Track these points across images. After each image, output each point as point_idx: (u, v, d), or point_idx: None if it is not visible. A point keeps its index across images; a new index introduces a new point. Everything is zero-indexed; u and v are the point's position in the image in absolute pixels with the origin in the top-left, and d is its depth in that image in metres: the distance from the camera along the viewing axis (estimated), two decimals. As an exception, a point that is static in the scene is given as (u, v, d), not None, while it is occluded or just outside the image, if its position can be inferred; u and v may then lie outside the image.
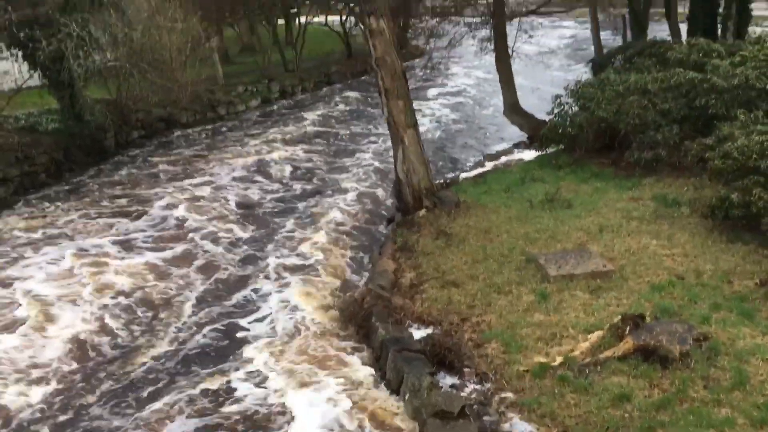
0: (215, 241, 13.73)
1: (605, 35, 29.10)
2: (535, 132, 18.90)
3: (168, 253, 13.06)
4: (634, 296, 9.12)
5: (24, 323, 10.22)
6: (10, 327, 10.15)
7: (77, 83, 18.87)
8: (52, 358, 9.34)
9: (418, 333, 9.02)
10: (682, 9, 26.89)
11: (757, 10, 26.14)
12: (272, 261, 12.60)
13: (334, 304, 10.79)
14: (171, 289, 11.60)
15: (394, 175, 14.68)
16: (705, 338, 7.78)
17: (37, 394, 8.61)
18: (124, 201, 16.36)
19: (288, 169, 19.08)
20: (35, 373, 9.02)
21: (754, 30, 22.94)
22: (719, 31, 23.60)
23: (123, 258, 12.77)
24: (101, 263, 12.46)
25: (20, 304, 10.85)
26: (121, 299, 11.07)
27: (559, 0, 22.28)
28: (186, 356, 9.49)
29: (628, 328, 7.88)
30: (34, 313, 10.53)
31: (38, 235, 14.19)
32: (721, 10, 23.99)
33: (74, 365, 9.27)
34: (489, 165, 18.69)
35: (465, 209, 13.45)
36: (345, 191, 16.71)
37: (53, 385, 8.82)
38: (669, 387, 7.16)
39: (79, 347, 9.65)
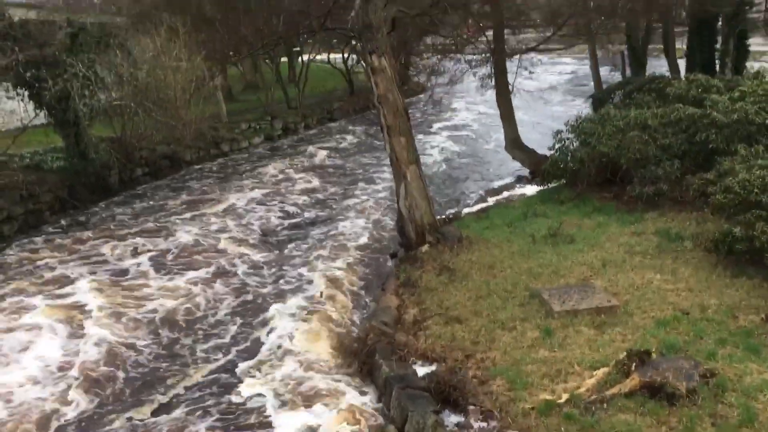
0: (221, 276, 13.76)
1: (604, 71, 29.41)
2: (537, 167, 19.01)
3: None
4: (640, 332, 9.07)
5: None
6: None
7: (82, 122, 19.05)
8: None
9: (422, 370, 8.95)
10: (680, 45, 27.20)
11: (754, 45, 26.45)
12: (277, 301, 12.60)
13: (338, 340, 10.74)
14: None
15: (396, 210, 14.72)
16: (712, 374, 7.71)
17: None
18: (130, 236, 16.46)
19: (290, 204, 19.18)
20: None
21: (752, 65, 23.19)
22: (717, 67, 23.87)
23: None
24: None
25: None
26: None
27: (558, 37, 22.49)
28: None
29: (634, 365, 7.81)
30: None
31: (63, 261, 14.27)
32: (718, 45, 24.30)
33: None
34: (491, 200, 18.76)
35: (468, 244, 13.45)
36: (349, 225, 16.75)
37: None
38: (677, 424, 7.07)
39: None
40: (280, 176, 22.89)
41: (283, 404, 9.00)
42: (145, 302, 12.52)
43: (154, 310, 12.15)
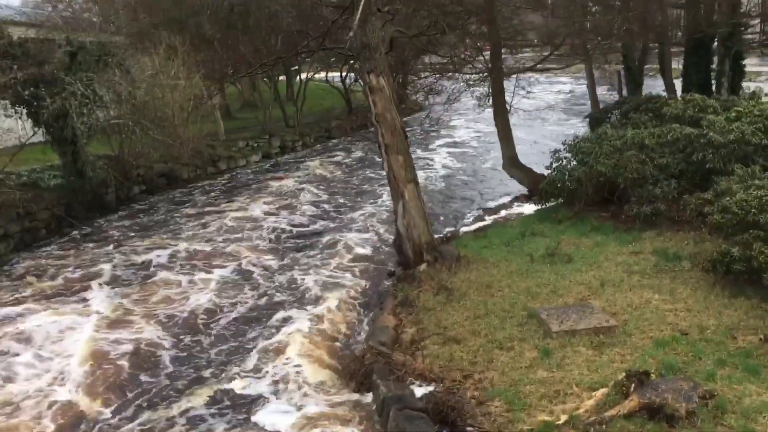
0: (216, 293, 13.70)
1: (601, 91, 29.62)
2: (535, 186, 19.03)
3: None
4: (638, 352, 9.02)
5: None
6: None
7: (80, 140, 19.07)
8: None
9: (420, 390, 8.88)
10: (676, 65, 27.36)
11: (749, 66, 26.63)
12: (274, 315, 12.53)
13: (335, 359, 10.67)
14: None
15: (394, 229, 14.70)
16: (711, 396, 7.66)
17: None
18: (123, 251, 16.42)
19: (284, 222, 19.15)
20: None
21: (748, 86, 23.32)
22: (713, 87, 24.00)
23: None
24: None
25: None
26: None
27: (555, 57, 22.64)
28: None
29: (633, 386, 7.76)
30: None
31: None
32: (714, 66, 24.45)
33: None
34: (489, 219, 18.75)
35: (466, 264, 13.41)
36: (347, 244, 16.73)
37: None
38: (676, 446, 7.03)
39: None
40: (278, 192, 22.89)
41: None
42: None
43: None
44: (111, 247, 17.19)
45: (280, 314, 12.70)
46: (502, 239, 15.05)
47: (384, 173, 14.35)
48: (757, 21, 32.28)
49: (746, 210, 11.10)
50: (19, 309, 13.07)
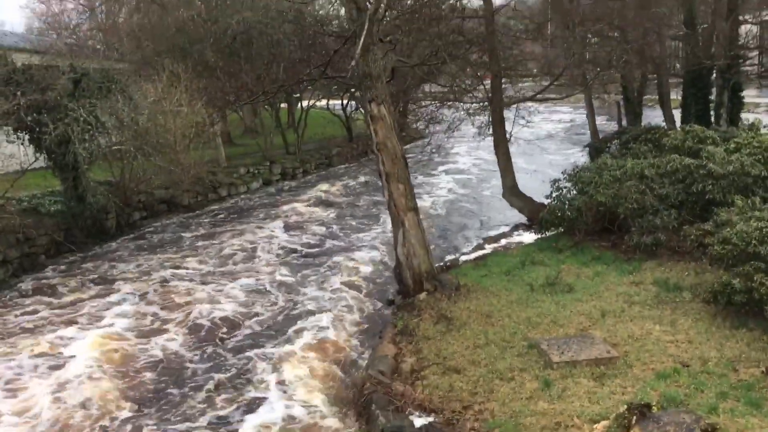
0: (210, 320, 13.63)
1: (600, 120, 29.78)
2: (535, 215, 19.05)
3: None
4: (640, 384, 8.96)
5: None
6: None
7: (81, 166, 19.12)
8: None
9: (419, 421, 8.80)
10: (675, 96, 27.57)
11: (748, 97, 26.83)
12: (270, 344, 12.45)
13: (335, 388, 10.60)
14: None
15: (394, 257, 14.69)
16: (713, 429, 7.58)
17: None
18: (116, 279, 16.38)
19: (283, 250, 19.13)
20: None
21: (747, 117, 23.45)
22: (712, 118, 24.16)
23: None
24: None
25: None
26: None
27: (554, 86, 22.81)
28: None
29: (634, 418, 7.68)
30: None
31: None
32: (713, 97, 24.64)
33: None
34: (489, 247, 18.74)
35: (466, 292, 13.38)
36: (349, 270, 16.71)
37: None
38: (679, 481, 6.94)
39: None
40: (277, 218, 22.91)
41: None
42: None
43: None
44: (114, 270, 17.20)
45: (278, 343, 12.62)
46: (502, 268, 15.03)
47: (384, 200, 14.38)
48: (755, 53, 32.62)
49: (747, 241, 11.10)
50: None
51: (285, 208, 24.94)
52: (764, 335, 10.05)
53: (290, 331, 13.10)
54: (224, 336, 13.11)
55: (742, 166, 14.26)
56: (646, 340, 10.32)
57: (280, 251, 19.02)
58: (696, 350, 9.86)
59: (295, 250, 19.11)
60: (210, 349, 12.46)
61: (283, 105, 40.27)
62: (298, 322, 13.53)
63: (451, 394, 9.38)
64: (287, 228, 21.80)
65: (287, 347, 12.25)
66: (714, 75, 24.49)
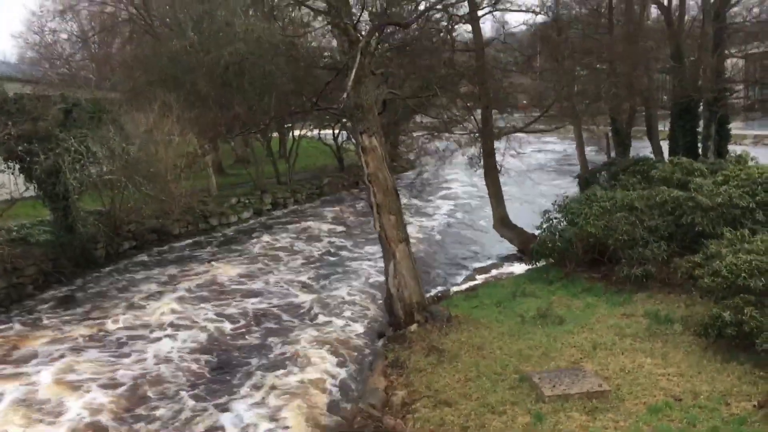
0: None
1: (590, 152, 29.92)
2: (525, 246, 19.12)
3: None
4: (632, 418, 8.92)
5: None
6: None
7: (71, 195, 19.03)
8: None
9: (411, 456, 8.73)
10: (663, 128, 27.84)
11: (734, 129, 27.14)
12: (261, 375, 12.31)
13: (325, 422, 10.48)
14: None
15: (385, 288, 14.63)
16: (706, 464, 7.56)
17: None
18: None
19: (275, 280, 19.02)
20: None
21: (734, 149, 23.71)
22: (700, 150, 24.40)
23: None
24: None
25: None
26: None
27: (545, 118, 23.02)
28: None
29: (627, 453, 7.66)
30: None
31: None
32: (700, 129, 24.91)
33: None
34: (480, 278, 18.74)
35: (457, 324, 13.35)
36: (337, 306, 16.59)
37: None
38: None
39: None
40: (266, 250, 22.81)
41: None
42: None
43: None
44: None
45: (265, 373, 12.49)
46: (493, 299, 15.03)
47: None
48: (741, 86, 33.09)
49: (736, 274, 11.15)
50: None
51: (271, 238, 24.83)
52: (755, 369, 10.05)
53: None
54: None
55: (730, 198, 14.37)
56: (637, 373, 10.31)
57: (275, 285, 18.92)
58: (687, 383, 9.85)
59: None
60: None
61: (274, 134, 40.36)
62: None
63: (442, 428, 9.32)
64: (284, 256, 21.70)
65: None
66: (701, 107, 24.80)
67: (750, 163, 17.74)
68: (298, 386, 11.66)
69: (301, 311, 16.16)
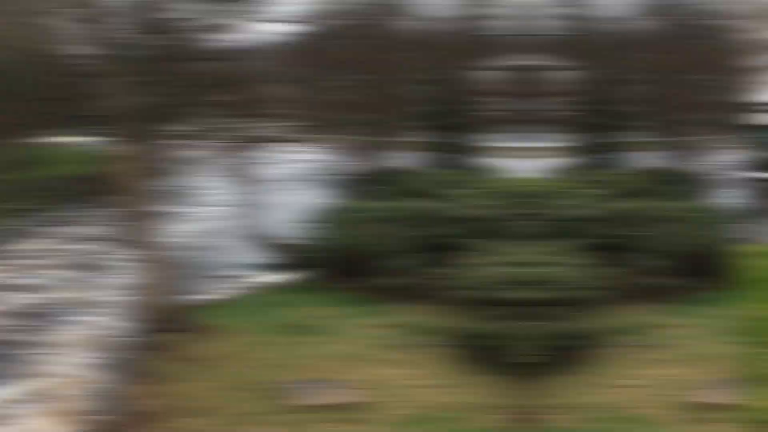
0: None
1: (349, 162, 30.56)
2: (286, 255, 19.04)
3: None
4: (387, 429, 9.08)
5: None
6: None
7: None
8: None
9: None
10: (416, 138, 28.66)
11: (486, 141, 28.73)
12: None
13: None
14: None
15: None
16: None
17: None
18: None
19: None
20: None
21: (484, 161, 24.93)
22: (451, 161, 25.26)
23: None
24: None
25: None
26: None
27: (305, 128, 23.24)
28: None
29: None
30: None
31: None
32: (451, 141, 25.91)
33: None
34: (239, 287, 18.23)
35: (214, 333, 12.93)
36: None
37: None
38: None
39: None
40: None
41: None
42: None
43: None
44: None
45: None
46: (251, 309, 14.73)
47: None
48: (493, 98, 35.31)
49: (488, 286, 11.57)
50: None
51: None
52: (501, 381, 10.31)
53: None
54: None
55: (479, 211, 14.81)
56: (391, 384, 10.46)
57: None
58: (440, 395, 10.10)
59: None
60: None
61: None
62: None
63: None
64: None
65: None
66: (458, 119, 25.79)
67: (501, 175, 18.66)
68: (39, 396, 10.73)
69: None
